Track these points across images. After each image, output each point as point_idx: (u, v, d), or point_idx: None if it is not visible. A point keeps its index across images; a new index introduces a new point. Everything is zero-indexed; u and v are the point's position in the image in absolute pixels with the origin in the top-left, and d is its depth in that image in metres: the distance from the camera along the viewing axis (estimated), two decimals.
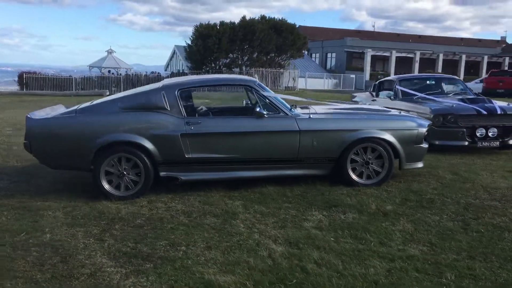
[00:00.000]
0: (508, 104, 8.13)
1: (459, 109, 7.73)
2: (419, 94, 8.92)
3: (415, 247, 3.95)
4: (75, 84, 31.57)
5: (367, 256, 3.77)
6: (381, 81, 10.76)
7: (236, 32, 30.89)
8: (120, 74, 33.93)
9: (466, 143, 7.63)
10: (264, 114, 5.49)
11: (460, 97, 8.91)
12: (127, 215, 4.86)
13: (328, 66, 52.06)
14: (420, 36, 60.59)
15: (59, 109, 5.95)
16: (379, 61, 49.85)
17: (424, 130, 5.82)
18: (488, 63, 49.49)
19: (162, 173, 5.47)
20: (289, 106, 5.73)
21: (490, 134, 7.64)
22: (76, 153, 5.36)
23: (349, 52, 49.27)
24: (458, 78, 10.20)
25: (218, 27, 31.35)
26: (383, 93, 9.98)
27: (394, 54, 46.44)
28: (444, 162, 7.10)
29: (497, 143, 7.65)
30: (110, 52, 43.78)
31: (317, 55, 53.54)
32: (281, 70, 33.31)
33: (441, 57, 48.12)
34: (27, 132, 5.36)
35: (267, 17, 33.66)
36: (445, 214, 4.74)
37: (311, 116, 5.64)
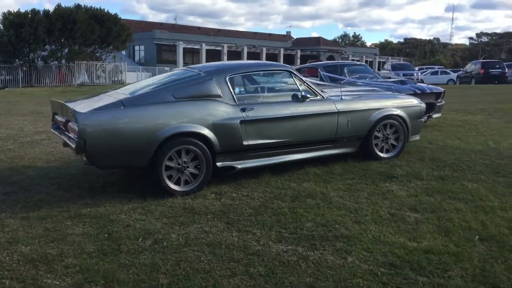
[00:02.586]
0: (428, 85, 9.69)
1: (401, 89, 8.89)
2: (346, 79, 9.91)
3: None
4: None
5: (500, 211, 4.41)
6: (298, 68, 11.50)
7: (53, 22, 28.27)
8: None
9: None
10: (308, 97, 5.71)
11: (372, 79, 10.21)
12: (224, 208, 4.64)
13: (137, 58, 51.13)
14: (219, 30, 63.46)
15: (84, 102, 5.24)
16: (189, 54, 50.88)
17: (424, 106, 6.73)
18: (284, 55, 54.76)
19: (218, 163, 5.27)
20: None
21: None
22: (137, 149, 4.82)
23: (159, 45, 49.23)
24: (365, 64, 11.51)
25: (30, 16, 28.24)
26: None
27: (204, 47, 48.03)
28: None
29: (426, 117, 9.05)
30: None
31: None
32: (104, 63, 31.70)
33: (245, 49, 51.45)
34: (80, 129, 4.59)
35: (83, 6, 31.59)
36: (491, 173, 5.71)
37: (342, 97, 6.04)
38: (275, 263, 3.43)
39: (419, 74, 32.32)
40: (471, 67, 32.98)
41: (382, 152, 6.37)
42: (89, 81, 30.78)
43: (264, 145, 5.45)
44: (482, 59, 42.02)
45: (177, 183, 5.06)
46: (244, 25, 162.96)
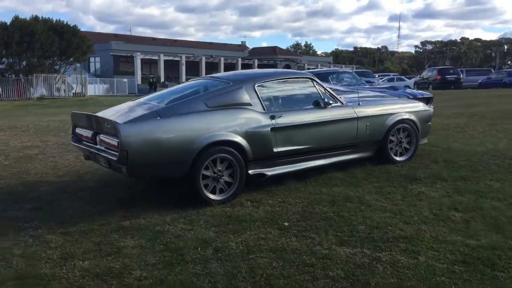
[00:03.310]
0: (418, 90, 10.05)
1: (394, 95, 9.18)
2: (335, 87, 10.09)
3: None
4: None
5: None
6: None
7: (11, 34, 27.32)
8: None
9: None
10: (331, 103, 5.83)
11: (360, 86, 10.49)
12: (268, 215, 4.65)
13: (92, 70, 50.06)
14: (175, 41, 63.16)
15: (115, 112, 5.16)
16: (146, 65, 50.32)
17: (432, 110, 6.97)
18: (242, 64, 55.03)
19: (250, 171, 5.27)
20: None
21: None
22: (177, 158, 4.77)
23: (116, 56, 48.43)
24: (351, 71, 11.78)
25: None
26: None
27: (163, 58, 47.62)
28: None
29: None
30: None
31: None
32: (64, 75, 30.86)
33: (203, 60, 51.34)
34: (123, 140, 4.49)
35: (40, 17, 30.71)
36: (507, 173, 5.96)
37: (360, 103, 6.19)
38: (350, 266, 3.48)
39: (380, 81, 33.26)
40: (428, 73, 34.25)
41: (396, 155, 6.55)
42: (47, 94, 29.88)
43: (292, 151, 5.51)
44: (428, 67, 43.68)
45: (213, 191, 5.04)
46: (195, 36, 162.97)
